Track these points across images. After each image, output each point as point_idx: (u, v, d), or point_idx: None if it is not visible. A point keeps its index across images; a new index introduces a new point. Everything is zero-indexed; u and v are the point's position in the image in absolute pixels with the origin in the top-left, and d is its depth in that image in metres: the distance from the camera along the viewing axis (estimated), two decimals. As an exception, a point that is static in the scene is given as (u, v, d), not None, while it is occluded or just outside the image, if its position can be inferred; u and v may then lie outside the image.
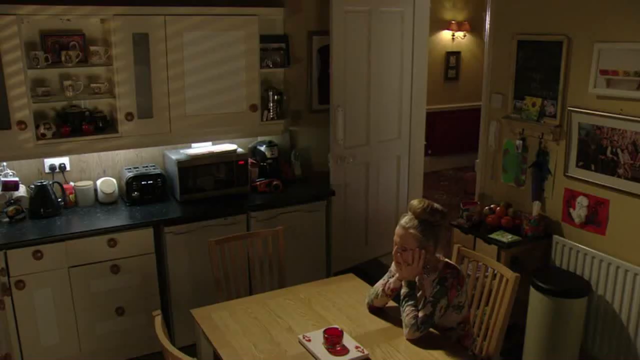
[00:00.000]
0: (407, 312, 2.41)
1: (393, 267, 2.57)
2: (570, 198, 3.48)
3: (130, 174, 3.65)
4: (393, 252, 2.44)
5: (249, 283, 3.31)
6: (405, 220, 2.41)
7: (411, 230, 2.37)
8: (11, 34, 3.12)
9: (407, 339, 2.37)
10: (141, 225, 3.39)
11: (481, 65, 4.23)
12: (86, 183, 3.65)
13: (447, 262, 2.47)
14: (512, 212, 3.76)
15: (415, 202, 2.42)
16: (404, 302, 2.45)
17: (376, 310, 2.63)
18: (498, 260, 3.40)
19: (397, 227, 2.42)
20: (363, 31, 4.32)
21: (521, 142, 3.71)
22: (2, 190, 3.36)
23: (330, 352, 2.27)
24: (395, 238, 2.42)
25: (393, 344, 2.36)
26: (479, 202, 3.95)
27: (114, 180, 3.72)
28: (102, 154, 3.74)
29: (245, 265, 3.19)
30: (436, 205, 2.42)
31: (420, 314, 2.37)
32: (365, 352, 2.27)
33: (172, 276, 3.54)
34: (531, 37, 3.59)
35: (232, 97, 3.81)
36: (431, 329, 2.43)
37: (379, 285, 2.61)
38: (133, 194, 3.62)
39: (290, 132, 4.35)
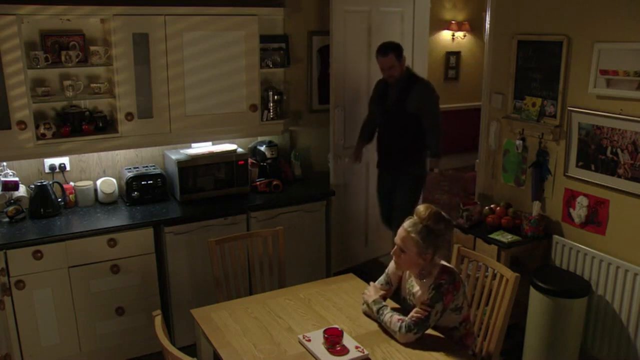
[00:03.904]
0: (388, 319, 2.41)
1: (389, 269, 2.62)
2: (570, 198, 3.48)
3: (130, 174, 3.65)
4: (392, 252, 2.45)
5: (249, 283, 3.31)
6: (408, 223, 2.39)
7: (412, 235, 2.35)
8: (11, 34, 3.12)
9: (402, 343, 2.35)
10: (141, 225, 3.39)
11: (481, 65, 4.23)
12: (86, 183, 3.65)
13: (444, 266, 2.43)
14: (512, 212, 3.76)
15: (421, 207, 2.40)
16: (379, 316, 2.46)
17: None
18: (498, 260, 3.40)
19: (400, 228, 2.41)
20: (363, 31, 4.32)
21: (521, 142, 3.71)
22: (2, 190, 3.36)
23: (330, 352, 2.26)
24: (396, 239, 2.42)
25: (393, 344, 2.36)
26: (479, 202, 3.95)
27: (114, 180, 3.72)
28: (102, 154, 3.74)
29: (245, 265, 3.18)
30: (443, 213, 2.39)
31: (415, 317, 2.35)
32: (365, 352, 2.26)
33: (172, 276, 3.54)
34: (531, 37, 3.59)
35: (232, 97, 3.81)
36: (433, 330, 2.43)
37: (372, 294, 2.59)
38: (133, 194, 3.62)
39: (290, 132, 4.35)
